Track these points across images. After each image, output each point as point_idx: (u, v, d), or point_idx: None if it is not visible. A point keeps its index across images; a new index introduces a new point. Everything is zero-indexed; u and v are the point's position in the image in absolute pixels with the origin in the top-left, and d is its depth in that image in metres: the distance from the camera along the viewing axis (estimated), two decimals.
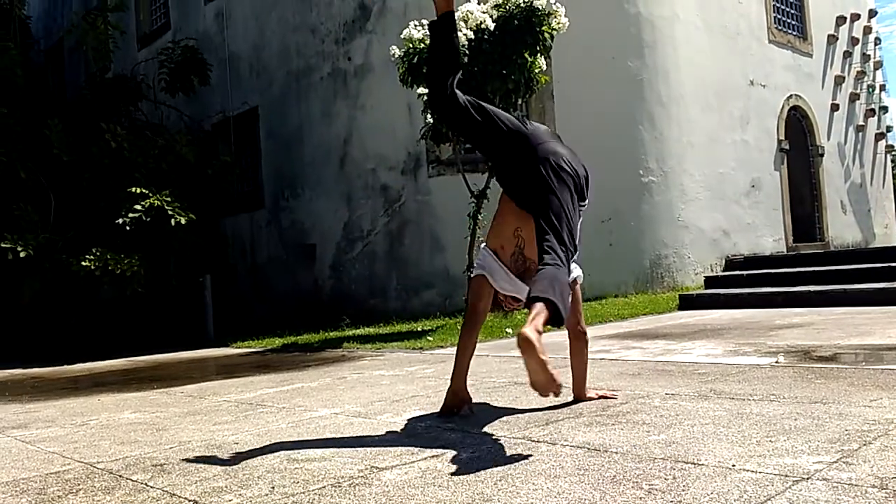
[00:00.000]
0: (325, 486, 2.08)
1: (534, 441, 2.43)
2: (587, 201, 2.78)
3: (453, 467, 2.18)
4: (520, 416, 2.88)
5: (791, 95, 12.22)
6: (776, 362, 3.79)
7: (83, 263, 8.08)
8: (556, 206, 2.57)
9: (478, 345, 3.17)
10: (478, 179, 7.35)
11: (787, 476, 1.85)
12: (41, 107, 10.09)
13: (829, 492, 1.71)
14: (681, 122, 10.04)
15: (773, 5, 12.14)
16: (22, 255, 8.09)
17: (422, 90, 6.74)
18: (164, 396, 4.39)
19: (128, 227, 8.25)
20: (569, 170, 2.68)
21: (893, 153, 15.88)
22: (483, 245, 3.00)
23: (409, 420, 2.99)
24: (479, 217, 6.91)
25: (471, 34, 6.29)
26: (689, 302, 7.83)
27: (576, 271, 2.93)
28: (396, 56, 6.64)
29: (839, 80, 13.55)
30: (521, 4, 6.42)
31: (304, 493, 2.04)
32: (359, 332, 7.89)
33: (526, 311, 2.38)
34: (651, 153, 9.67)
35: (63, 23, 15.17)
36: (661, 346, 4.84)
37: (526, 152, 2.73)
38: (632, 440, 2.34)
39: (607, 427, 2.55)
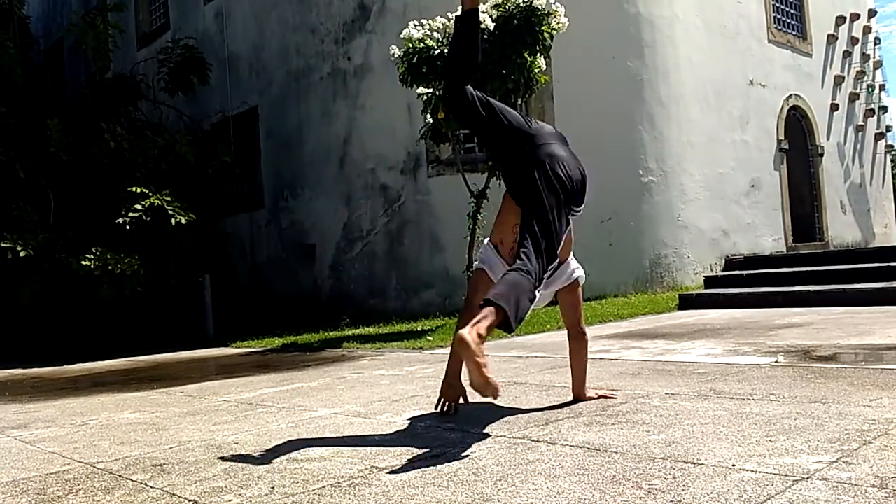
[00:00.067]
0: (324, 486, 2.08)
1: (534, 441, 2.43)
2: (581, 207, 2.77)
3: (453, 467, 2.18)
4: (519, 415, 2.88)
5: (791, 95, 12.22)
6: (776, 362, 3.79)
7: (83, 263, 8.07)
8: (541, 214, 2.60)
9: None
10: (477, 179, 7.35)
11: (786, 476, 1.85)
12: (41, 106, 10.09)
13: (828, 491, 1.71)
14: (680, 122, 10.04)
15: (773, 5, 12.14)
16: (22, 254, 8.09)
17: (421, 90, 6.74)
18: (163, 396, 4.39)
19: (128, 227, 8.24)
20: (563, 175, 2.67)
21: (893, 153, 15.89)
22: (486, 240, 3.02)
23: (408, 420, 2.99)
24: (479, 217, 6.91)
25: None
26: (688, 302, 7.84)
27: (578, 271, 2.94)
28: (396, 56, 6.64)
29: (839, 80, 13.56)
30: (521, 4, 6.42)
31: (303, 493, 2.04)
32: (358, 331, 7.89)
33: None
34: (651, 153, 9.67)
35: (62, 23, 15.17)
36: (660, 346, 4.84)
37: (524, 152, 2.76)
38: (631, 440, 2.34)
39: (607, 427, 2.55)
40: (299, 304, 10.19)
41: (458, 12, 2.87)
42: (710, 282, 8.86)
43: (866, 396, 2.73)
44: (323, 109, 10.16)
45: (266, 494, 2.05)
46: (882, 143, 14.89)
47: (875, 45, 14.97)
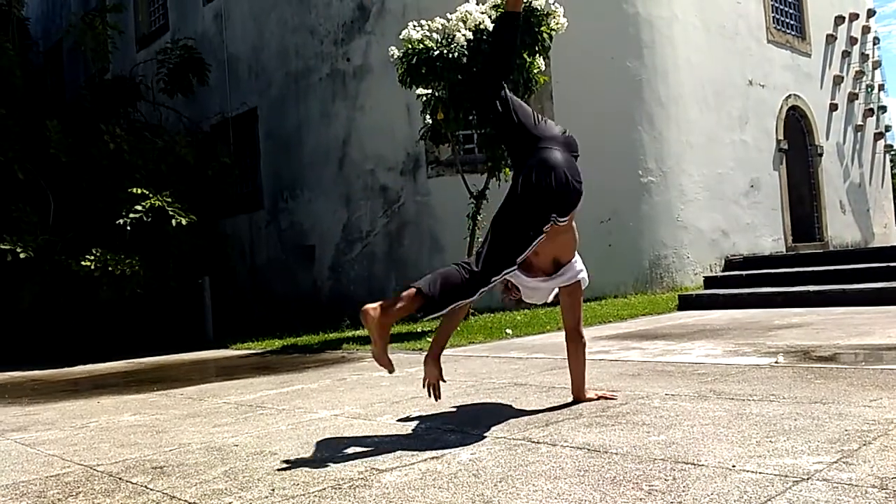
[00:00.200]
0: (325, 488, 2.08)
1: (534, 442, 2.43)
2: (566, 218, 2.73)
3: (453, 469, 2.18)
4: (520, 417, 2.88)
5: (790, 95, 12.23)
6: (776, 362, 3.79)
7: (83, 263, 8.07)
8: (507, 222, 2.67)
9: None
10: (477, 180, 7.34)
11: (787, 476, 1.85)
12: (40, 108, 10.09)
13: (829, 492, 1.71)
14: (679, 123, 10.04)
15: (772, 5, 12.15)
16: (22, 256, 8.09)
17: (421, 91, 6.74)
18: (163, 398, 4.39)
19: (128, 228, 8.24)
20: (544, 183, 2.66)
21: (892, 153, 15.89)
22: None
23: (409, 421, 2.99)
24: (479, 218, 6.91)
25: (469, 34, 6.28)
26: (688, 302, 7.83)
27: (582, 273, 2.93)
28: (395, 57, 6.64)
29: (838, 80, 13.57)
30: None
31: (304, 495, 2.04)
32: (358, 333, 7.87)
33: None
34: (650, 153, 9.67)
35: (62, 24, 15.17)
36: (660, 347, 4.84)
37: (521, 153, 2.80)
38: (632, 441, 2.34)
39: (607, 428, 2.55)
40: (299, 305, 10.18)
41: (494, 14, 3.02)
42: (709, 282, 8.85)
43: (866, 397, 2.73)
44: (322, 110, 10.17)
45: (266, 496, 2.05)
46: (881, 143, 14.89)
47: (874, 44, 14.98)
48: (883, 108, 15.03)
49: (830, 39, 13.46)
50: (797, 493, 1.72)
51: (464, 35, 6.27)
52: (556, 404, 3.06)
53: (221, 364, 6.56)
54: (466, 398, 3.44)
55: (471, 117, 6.62)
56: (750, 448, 2.14)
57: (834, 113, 13.37)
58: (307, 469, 2.31)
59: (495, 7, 6.48)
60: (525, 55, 6.43)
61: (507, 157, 6.74)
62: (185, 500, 2.09)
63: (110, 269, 8.13)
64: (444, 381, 3.04)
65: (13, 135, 8.90)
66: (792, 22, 12.72)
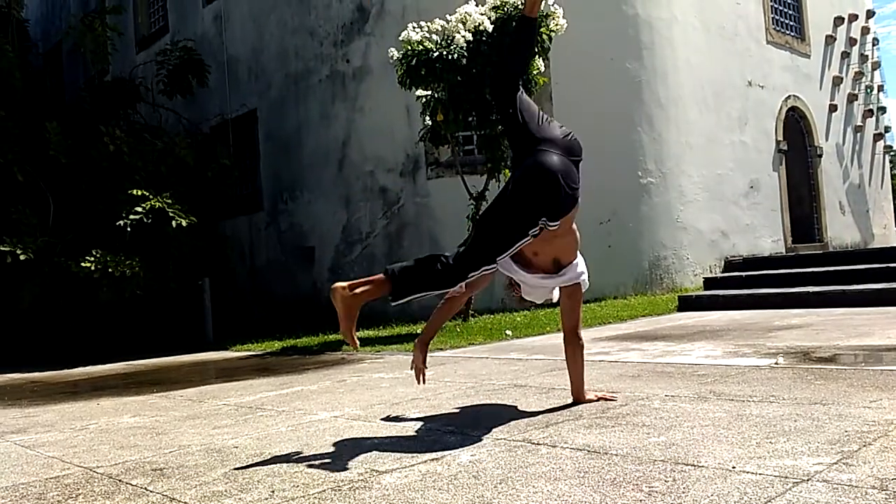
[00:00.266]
0: (325, 490, 2.08)
1: (534, 443, 2.43)
2: (557, 223, 2.70)
3: (453, 470, 2.18)
4: (520, 418, 2.88)
5: (789, 96, 12.23)
6: (775, 364, 3.79)
7: (83, 265, 8.07)
8: (493, 221, 2.71)
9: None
10: (476, 181, 7.35)
11: (787, 478, 1.85)
12: (39, 109, 10.09)
13: (829, 493, 1.71)
14: (679, 124, 10.04)
15: (771, 6, 12.16)
16: (21, 258, 8.09)
17: (420, 92, 6.74)
18: (163, 400, 4.39)
19: (128, 229, 8.24)
20: (532, 187, 2.67)
21: (892, 153, 15.89)
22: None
23: (409, 423, 2.99)
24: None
25: (469, 36, 6.29)
26: (688, 303, 7.83)
27: (584, 275, 2.94)
28: (395, 58, 6.64)
29: (837, 81, 13.57)
30: (520, 6, 6.42)
31: (304, 496, 2.04)
32: (358, 334, 7.86)
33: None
34: (649, 154, 9.67)
35: (61, 25, 15.18)
36: (660, 348, 4.84)
37: (521, 153, 2.83)
38: (632, 442, 2.34)
39: (607, 429, 2.55)
40: (299, 306, 10.18)
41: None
42: (709, 283, 8.86)
43: (866, 398, 2.73)
44: (322, 112, 10.17)
45: (266, 498, 2.05)
46: (881, 144, 14.90)
47: (873, 45, 14.99)
48: (882, 109, 15.04)
49: (830, 40, 13.47)
50: (797, 495, 1.72)
51: (463, 36, 6.27)
52: (555, 406, 3.06)
53: (221, 365, 6.56)
54: (466, 399, 3.44)
55: (470, 118, 6.62)
56: (750, 449, 2.14)
57: (833, 114, 13.38)
58: (307, 471, 2.31)
59: (494, 8, 6.49)
60: None
61: (506, 158, 6.76)
62: (185, 502, 2.09)
63: (110, 270, 8.14)
64: (426, 367, 3.14)
65: (13, 136, 8.90)
66: (791, 23, 12.73)
